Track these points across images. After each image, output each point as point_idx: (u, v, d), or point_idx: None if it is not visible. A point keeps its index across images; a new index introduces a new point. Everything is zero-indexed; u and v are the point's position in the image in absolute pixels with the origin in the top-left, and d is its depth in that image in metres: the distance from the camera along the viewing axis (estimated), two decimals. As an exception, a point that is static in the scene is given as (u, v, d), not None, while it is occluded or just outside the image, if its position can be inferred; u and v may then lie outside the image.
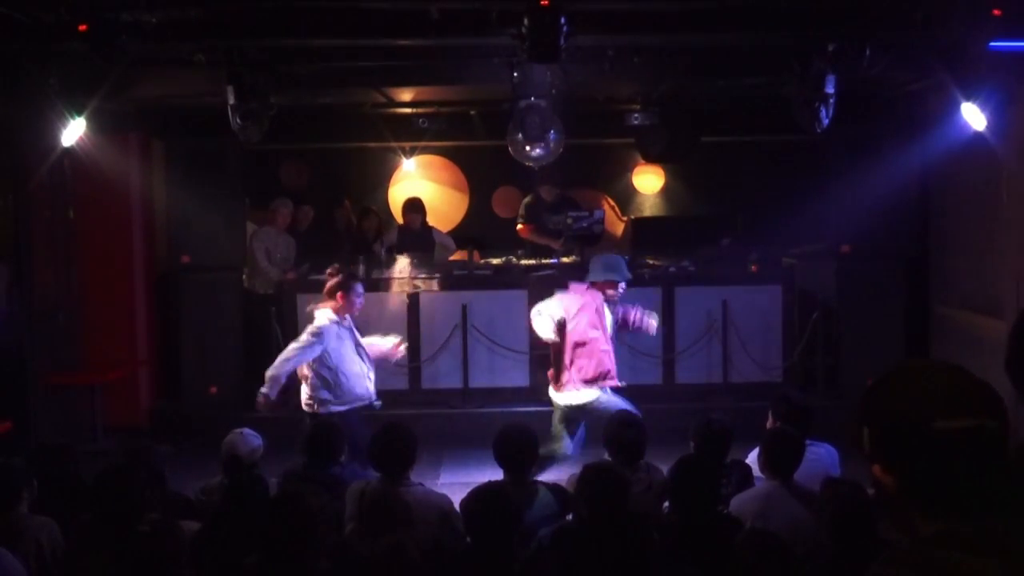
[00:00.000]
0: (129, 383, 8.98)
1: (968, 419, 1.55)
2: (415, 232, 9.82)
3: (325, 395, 6.47)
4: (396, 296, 9.00)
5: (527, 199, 10.06)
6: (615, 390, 6.64)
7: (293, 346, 6.50)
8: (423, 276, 9.13)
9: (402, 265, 9.24)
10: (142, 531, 3.96)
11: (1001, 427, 1.57)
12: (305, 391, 6.57)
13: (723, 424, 5.28)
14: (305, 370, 6.51)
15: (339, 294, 6.51)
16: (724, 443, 5.22)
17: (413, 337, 8.96)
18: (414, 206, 9.85)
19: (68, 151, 7.71)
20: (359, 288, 6.62)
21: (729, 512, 4.52)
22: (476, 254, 9.81)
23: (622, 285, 6.63)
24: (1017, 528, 1.52)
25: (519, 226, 10.01)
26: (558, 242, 9.71)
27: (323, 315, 6.49)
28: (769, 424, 5.33)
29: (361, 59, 7.43)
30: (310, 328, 6.49)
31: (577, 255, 9.49)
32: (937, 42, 6.77)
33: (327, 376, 6.46)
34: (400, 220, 10.63)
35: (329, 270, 6.88)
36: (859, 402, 1.68)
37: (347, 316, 6.55)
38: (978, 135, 7.43)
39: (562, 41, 5.86)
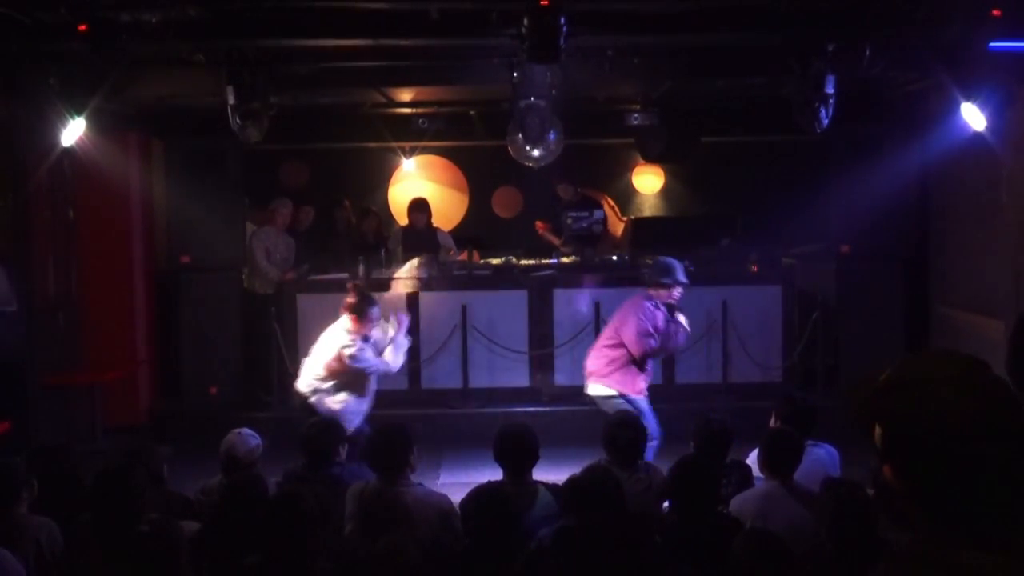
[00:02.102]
0: (129, 383, 8.98)
1: (993, 444, 1.51)
2: (419, 232, 9.81)
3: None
4: (396, 296, 8.99)
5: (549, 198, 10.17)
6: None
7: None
8: (427, 276, 9.13)
9: (411, 266, 9.21)
10: (142, 531, 3.96)
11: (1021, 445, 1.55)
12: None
13: (723, 424, 5.28)
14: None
15: (353, 317, 6.54)
16: (724, 443, 5.22)
17: (413, 337, 8.95)
18: (419, 206, 9.85)
19: (68, 151, 7.72)
20: (374, 312, 6.62)
21: (729, 512, 4.52)
22: (476, 254, 9.82)
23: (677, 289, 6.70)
24: (1021, 526, 1.51)
25: (539, 222, 10.13)
26: (561, 240, 9.78)
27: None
28: (772, 423, 5.33)
29: (361, 59, 7.44)
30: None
31: (577, 255, 9.51)
32: (937, 42, 6.77)
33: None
34: (400, 220, 10.64)
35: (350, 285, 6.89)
36: (874, 393, 1.62)
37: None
38: (978, 135, 7.44)
39: (562, 41, 5.87)
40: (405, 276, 9.11)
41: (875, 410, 1.61)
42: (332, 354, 6.56)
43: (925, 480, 1.55)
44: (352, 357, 6.49)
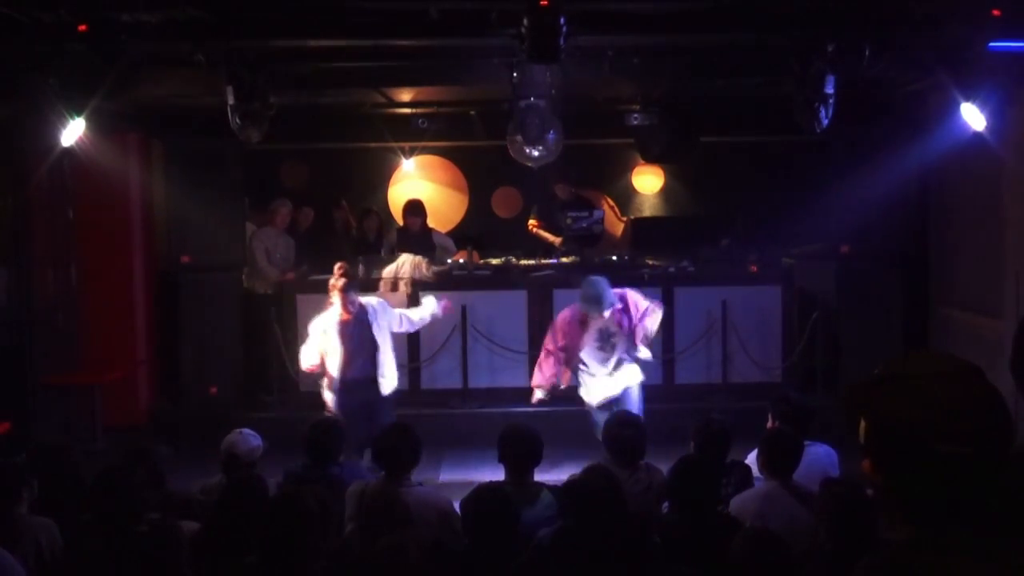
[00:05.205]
0: (128, 383, 8.97)
1: (969, 445, 1.51)
2: (415, 234, 9.80)
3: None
4: (395, 296, 8.99)
5: (542, 197, 10.17)
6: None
7: None
8: (418, 276, 9.12)
9: (402, 261, 9.21)
10: (142, 531, 3.96)
11: (1000, 450, 1.54)
12: None
13: (723, 424, 5.28)
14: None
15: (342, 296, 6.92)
16: (724, 443, 5.23)
17: (413, 337, 8.96)
18: (414, 209, 9.82)
19: (68, 151, 7.71)
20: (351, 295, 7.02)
21: (729, 512, 4.52)
22: (475, 254, 9.81)
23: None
24: (992, 530, 1.51)
25: (531, 221, 10.13)
26: (560, 240, 9.77)
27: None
28: (769, 425, 5.34)
29: (361, 59, 7.43)
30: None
31: (577, 255, 9.50)
32: (937, 42, 6.77)
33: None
34: (400, 221, 10.64)
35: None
36: (862, 389, 1.63)
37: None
38: (978, 135, 7.43)
39: (562, 41, 5.86)
40: (391, 276, 9.09)
41: (860, 403, 1.62)
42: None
43: (900, 477, 1.56)
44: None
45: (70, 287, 8.78)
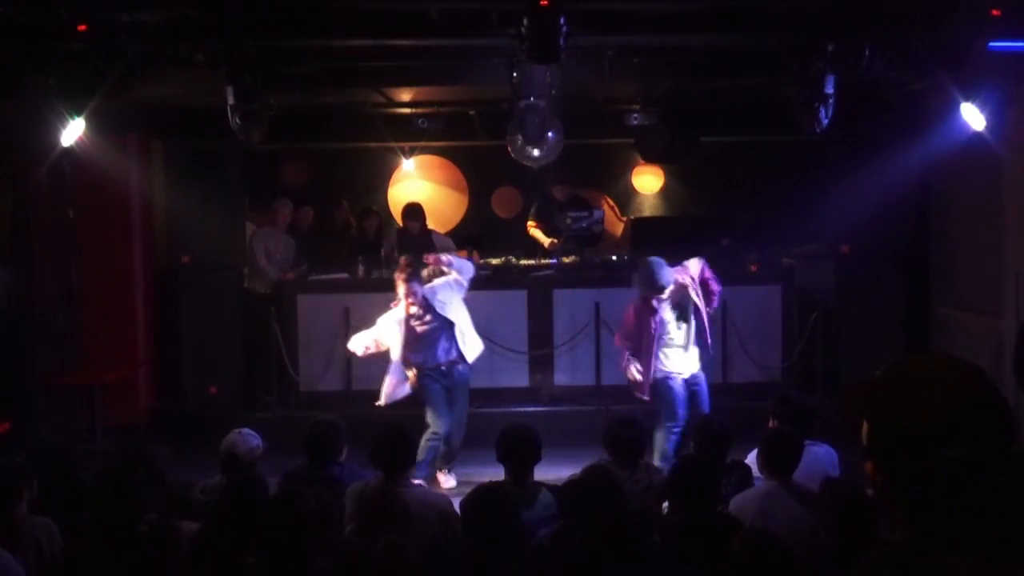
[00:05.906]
0: (128, 383, 8.96)
1: (972, 449, 1.51)
2: (414, 236, 9.80)
3: None
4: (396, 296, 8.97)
5: (540, 198, 10.15)
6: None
7: None
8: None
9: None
10: (142, 531, 3.96)
11: (1002, 451, 1.53)
12: None
13: (723, 424, 5.29)
14: None
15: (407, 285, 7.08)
16: (724, 443, 5.23)
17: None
18: (413, 213, 9.81)
19: (68, 151, 7.71)
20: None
21: (729, 512, 4.52)
22: (475, 254, 9.81)
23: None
24: (993, 531, 1.51)
25: (529, 221, 10.11)
26: (550, 241, 9.75)
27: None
28: (769, 425, 5.34)
29: (361, 59, 7.44)
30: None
31: (577, 255, 9.50)
32: (937, 42, 6.77)
33: None
34: (400, 222, 10.64)
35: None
36: (863, 389, 1.63)
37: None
38: (978, 135, 7.44)
39: (562, 41, 5.86)
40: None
41: (861, 405, 1.62)
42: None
43: (903, 479, 1.56)
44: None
45: (70, 287, 8.78)
